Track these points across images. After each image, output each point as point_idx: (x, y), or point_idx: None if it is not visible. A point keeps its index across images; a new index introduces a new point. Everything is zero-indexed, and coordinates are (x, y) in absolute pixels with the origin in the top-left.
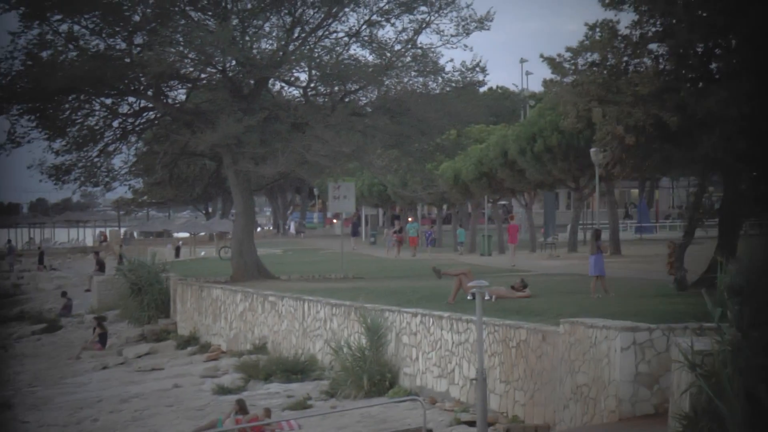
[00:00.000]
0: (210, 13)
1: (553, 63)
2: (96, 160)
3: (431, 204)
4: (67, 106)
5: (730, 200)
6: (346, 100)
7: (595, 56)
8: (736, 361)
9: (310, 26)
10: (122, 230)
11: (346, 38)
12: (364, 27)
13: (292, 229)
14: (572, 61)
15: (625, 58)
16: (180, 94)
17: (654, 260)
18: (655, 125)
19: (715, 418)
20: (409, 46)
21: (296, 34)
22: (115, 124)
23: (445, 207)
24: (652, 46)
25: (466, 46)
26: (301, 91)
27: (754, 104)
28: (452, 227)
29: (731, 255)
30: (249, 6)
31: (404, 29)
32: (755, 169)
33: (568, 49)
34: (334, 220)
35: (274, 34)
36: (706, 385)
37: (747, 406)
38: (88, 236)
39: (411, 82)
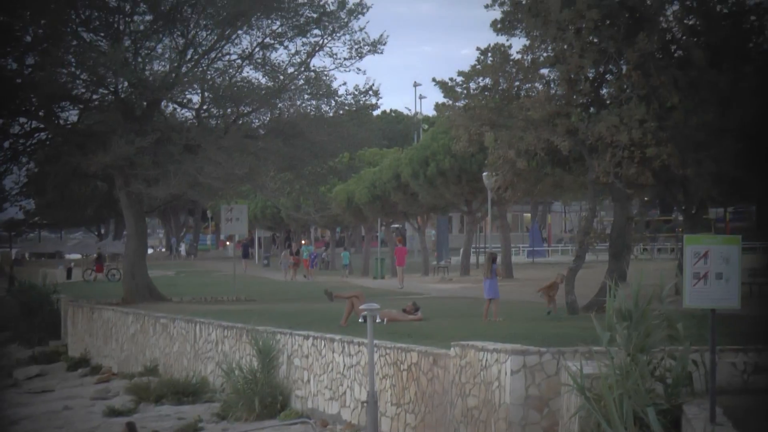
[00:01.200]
0: (102, 34)
1: (445, 87)
2: None
3: (324, 227)
4: None
5: (620, 225)
6: (239, 122)
7: (487, 80)
8: (625, 384)
9: (203, 48)
10: (13, 251)
11: (239, 60)
12: (257, 49)
13: (184, 251)
14: (464, 85)
15: (517, 83)
16: (72, 115)
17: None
18: (547, 150)
19: None
20: (302, 68)
21: (189, 56)
22: (6, 144)
23: (338, 230)
24: (544, 71)
25: (359, 69)
26: (194, 113)
27: (645, 129)
28: (345, 248)
29: (621, 279)
30: (141, 27)
31: (297, 52)
32: (645, 194)
33: (460, 73)
34: (227, 243)
35: (166, 55)
36: (595, 408)
37: (635, 429)
38: None
39: (304, 104)
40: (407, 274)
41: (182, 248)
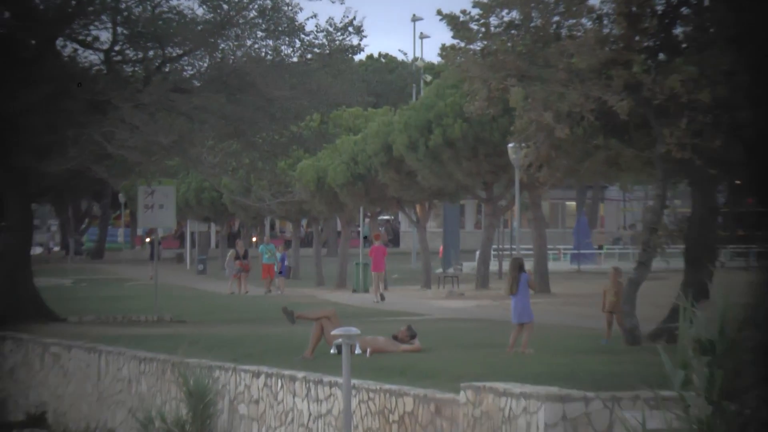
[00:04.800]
0: None
1: (455, 23)
2: None
3: (285, 218)
4: None
5: (700, 219)
6: (165, 69)
7: (514, 14)
8: None
9: None
10: None
11: None
12: None
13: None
14: (482, 21)
15: (556, 18)
16: None
17: (595, 301)
18: (597, 112)
19: None
20: None
21: None
22: None
23: (304, 223)
24: (594, 2)
25: None
26: (102, 56)
27: (735, 85)
28: (314, 251)
29: (701, 297)
30: None
31: None
32: (737, 176)
33: (477, 4)
34: (147, 239)
35: None
36: None
37: None
38: None
39: (257, 46)
40: (400, 286)
41: (83, 247)
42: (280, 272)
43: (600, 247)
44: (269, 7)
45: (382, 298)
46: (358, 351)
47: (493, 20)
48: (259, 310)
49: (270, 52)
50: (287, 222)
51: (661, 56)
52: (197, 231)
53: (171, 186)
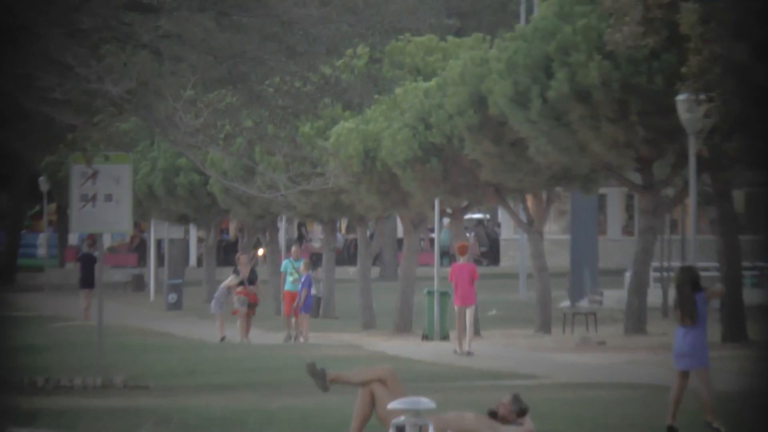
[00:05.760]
0: None
1: None
2: None
3: (310, 218)
4: None
5: None
6: None
7: None
8: None
9: None
10: None
11: None
12: None
13: None
14: None
15: None
16: None
17: None
18: None
19: None
20: None
21: None
22: None
23: (342, 226)
24: None
25: None
26: None
27: None
28: (359, 271)
29: None
30: None
31: None
32: None
33: None
34: (86, 251)
35: None
36: None
37: None
38: None
39: None
40: (501, 328)
41: None
42: (302, 307)
43: None
44: None
45: (470, 349)
46: None
47: None
48: (272, 370)
49: None
50: (314, 224)
51: None
52: (167, 239)
53: (125, 165)
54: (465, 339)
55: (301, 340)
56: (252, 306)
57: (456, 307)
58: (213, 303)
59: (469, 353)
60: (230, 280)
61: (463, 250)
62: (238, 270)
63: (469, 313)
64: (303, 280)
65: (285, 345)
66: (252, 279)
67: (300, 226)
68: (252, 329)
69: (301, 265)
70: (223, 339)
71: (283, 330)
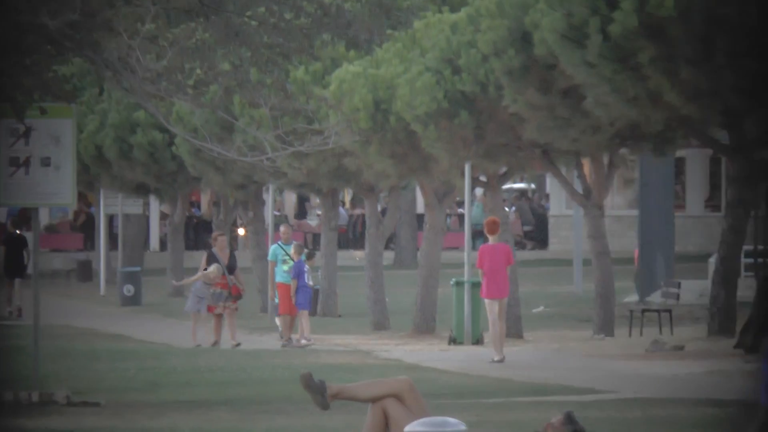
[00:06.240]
0: None
1: None
2: None
3: (305, 188)
4: None
5: None
6: None
7: None
8: None
9: None
10: None
11: None
12: None
13: None
14: None
15: None
16: None
17: None
18: None
19: None
20: None
21: None
22: None
23: (347, 197)
24: None
25: None
26: None
27: None
28: (367, 256)
29: None
30: None
31: None
32: None
33: None
34: (18, 231)
35: None
36: None
37: None
38: None
39: None
40: (549, 329)
41: None
42: (296, 303)
43: None
44: None
45: (501, 355)
46: None
47: None
48: (256, 382)
49: None
50: (312, 196)
51: None
52: (121, 215)
53: (67, 119)
54: (500, 342)
55: (303, 342)
56: (235, 298)
57: (486, 301)
58: (189, 300)
59: (500, 360)
60: (211, 270)
61: (494, 228)
62: (214, 254)
63: (502, 309)
64: (301, 266)
65: (281, 350)
66: (231, 266)
67: (302, 199)
68: (234, 330)
69: (291, 249)
70: (215, 344)
71: (271, 331)
